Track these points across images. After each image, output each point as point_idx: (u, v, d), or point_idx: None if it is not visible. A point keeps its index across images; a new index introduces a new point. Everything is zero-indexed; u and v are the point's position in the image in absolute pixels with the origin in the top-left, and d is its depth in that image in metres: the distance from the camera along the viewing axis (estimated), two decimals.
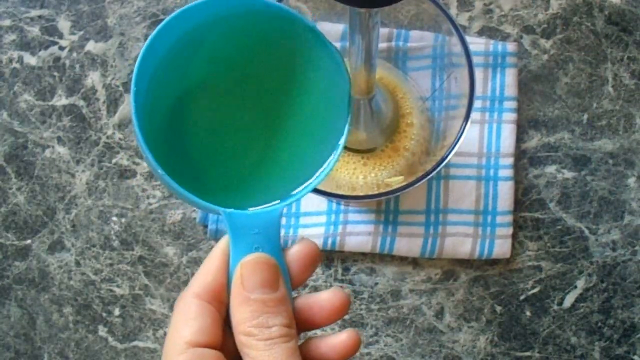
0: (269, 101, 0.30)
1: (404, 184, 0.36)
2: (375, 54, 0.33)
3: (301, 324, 0.27)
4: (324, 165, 0.29)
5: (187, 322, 0.26)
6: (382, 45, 0.45)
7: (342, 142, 0.29)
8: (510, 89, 0.47)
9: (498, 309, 0.47)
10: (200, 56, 0.28)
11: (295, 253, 0.27)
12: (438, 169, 0.35)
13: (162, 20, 0.49)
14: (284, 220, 0.47)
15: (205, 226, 0.48)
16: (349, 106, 0.29)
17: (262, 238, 0.26)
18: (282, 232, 0.47)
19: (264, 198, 0.28)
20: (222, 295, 0.26)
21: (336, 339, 0.27)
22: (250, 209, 0.27)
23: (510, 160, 0.46)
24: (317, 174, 0.29)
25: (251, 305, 0.25)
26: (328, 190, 0.37)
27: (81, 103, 0.49)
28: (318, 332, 0.43)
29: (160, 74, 0.27)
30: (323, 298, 0.27)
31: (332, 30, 0.46)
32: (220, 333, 0.26)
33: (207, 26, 0.28)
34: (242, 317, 0.25)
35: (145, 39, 0.49)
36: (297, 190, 0.28)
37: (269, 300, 0.25)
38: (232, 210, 0.26)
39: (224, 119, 0.29)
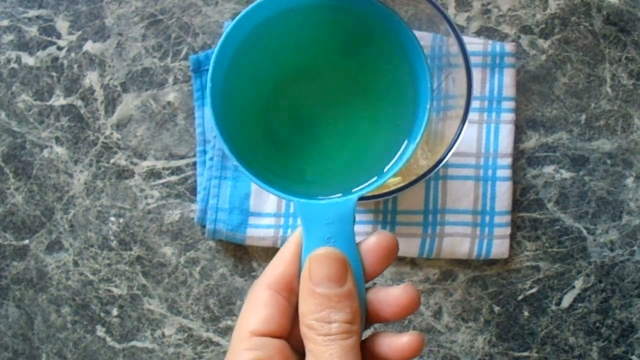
0: (344, 91, 0.29)
1: (402, 184, 0.36)
2: None
3: (370, 317, 0.27)
4: (398, 157, 0.28)
5: (253, 311, 0.26)
6: None
7: (420, 132, 0.28)
8: (509, 89, 0.47)
9: (496, 309, 0.47)
10: (275, 46, 0.28)
11: (370, 245, 0.27)
12: (436, 169, 0.35)
13: (160, 20, 0.49)
14: (282, 221, 0.47)
15: (203, 226, 0.48)
16: (430, 94, 0.28)
17: (335, 229, 0.26)
18: (280, 232, 0.47)
19: (338, 189, 0.28)
20: (292, 285, 0.27)
21: (399, 340, 0.27)
22: (322, 200, 0.26)
23: (508, 161, 0.46)
24: (391, 164, 0.28)
25: (316, 299, 0.25)
26: None
27: (79, 103, 0.49)
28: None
29: (236, 65, 0.27)
30: (393, 294, 0.27)
31: None
32: (287, 322, 0.26)
33: (281, 16, 0.28)
34: (306, 309, 0.25)
35: (143, 39, 0.49)
36: (370, 181, 0.28)
37: (333, 295, 0.25)
38: (305, 200, 0.26)
39: (299, 108, 0.29)
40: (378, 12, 0.28)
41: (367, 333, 0.28)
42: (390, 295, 0.27)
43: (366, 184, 0.27)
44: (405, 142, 0.28)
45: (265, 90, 0.28)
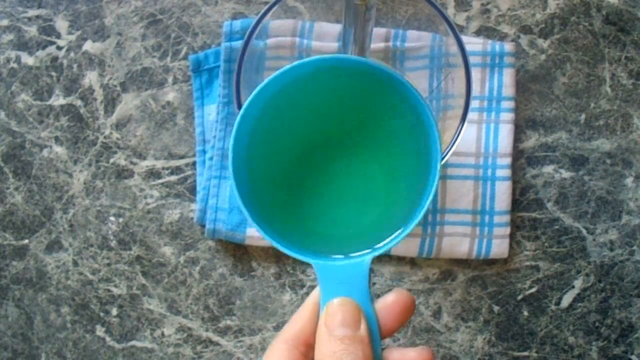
0: (359, 152, 0.31)
1: None
2: (368, 48, 0.33)
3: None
4: (413, 217, 0.29)
5: None
6: (380, 45, 0.45)
7: (432, 193, 0.28)
8: (508, 89, 0.47)
9: (496, 308, 0.47)
10: (292, 113, 0.29)
11: (388, 303, 0.28)
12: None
13: (159, 19, 0.49)
14: None
15: (203, 226, 0.48)
16: (439, 158, 0.29)
17: (351, 287, 0.27)
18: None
19: (356, 246, 0.29)
20: (309, 341, 0.28)
21: (408, 354, 0.28)
22: (338, 261, 0.28)
23: (507, 160, 0.46)
24: (406, 226, 0.29)
25: (330, 342, 0.26)
26: None
27: (79, 103, 0.49)
28: None
29: (255, 135, 0.28)
30: (409, 356, 0.28)
31: (331, 30, 0.46)
32: None
33: (297, 84, 0.29)
34: (322, 355, 0.26)
35: (143, 39, 0.49)
36: (385, 242, 0.29)
37: (346, 337, 0.26)
38: (322, 262, 0.27)
39: (317, 171, 0.31)
40: (380, 75, 0.29)
41: None
42: (406, 356, 0.28)
43: (383, 242, 0.29)
44: (418, 199, 0.29)
45: (284, 156, 0.30)
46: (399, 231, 0.29)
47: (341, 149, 0.31)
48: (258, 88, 0.28)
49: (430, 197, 0.28)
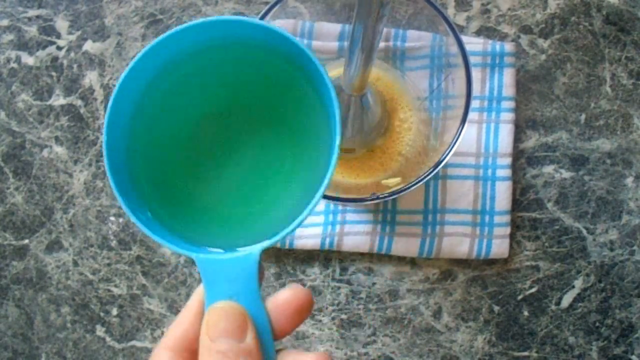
0: (255, 137, 0.28)
1: (402, 185, 0.36)
2: (376, 47, 0.32)
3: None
4: (303, 212, 0.25)
5: None
6: (380, 45, 0.45)
7: (327, 178, 0.25)
8: (508, 89, 0.47)
9: (496, 308, 0.47)
10: (184, 87, 0.26)
11: (280, 302, 0.25)
12: (436, 169, 0.35)
13: (159, 19, 0.49)
14: None
15: None
16: (336, 151, 0.25)
17: (238, 286, 0.24)
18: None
19: (246, 239, 0.25)
20: (193, 347, 0.25)
21: (305, 358, 0.25)
22: (223, 255, 0.25)
23: (508, 160, 0.46)
24: (296, 220, 0.25)
25: (213, 356, 0.24)
26: (325, 192, 0.36)
27: (79, 103, 0.49)
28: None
29: (141, 104, 0.25)
30: (281, 300, 0.25)
31: (331, 30, 0.46)
32: None
33: (191, 55, 0.26)
34: None
35: (143, 39, 0.49)
36: (275, 235, 0.25)
37: (230, 351, 0.24)
38: (202, 255, 0.24)
39: (207, 153, 0.28)
40: (285, 48, 0.25)
41: None
42: (280, 300, 0.25)
43: (275, 238, 0.25)
44: (312, 195, 0.26)
45: (171, 136, 0.27)
46: (292, 223, 0.25)
47: (236, 130, 0.28)
48: (141, 53, 0.24)
49: (325, 184, 0.24)
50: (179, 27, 0.25)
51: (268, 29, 0.25)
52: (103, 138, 0.24)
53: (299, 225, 0.25)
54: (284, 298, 0.25)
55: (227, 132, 0.28)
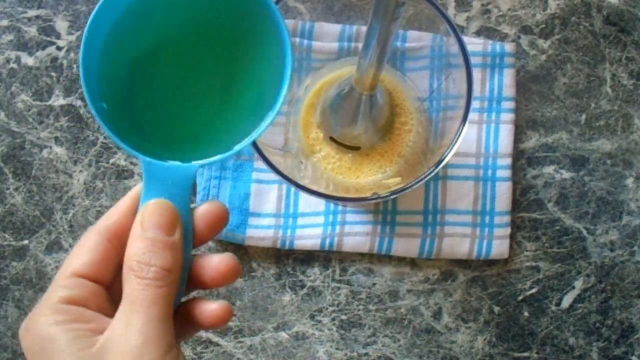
0: (214, 64, 0.31)
1: (402, 185, 0.36)
2: (388, 47, 0.33)
3: (191, 281, 0.28)
4: (253, 132, 0.29)
5: (80, 254, 0.27)
6: None
7: (273, 112, 0.29)
8: (508, 90, 0.47)
9: (496, 309, 0.47)
10: (151, 21, 0.29)
11: (202, 211, 0.28)
12: (436, 170, 0.35)
13: None
14: (281, 221, 0.47)
15: None
16: (285, 87, 0.29)
17: (173, 190, 0.27)
18: (280, 232, 0.47)
19: (191, 154, 0.29)
20: (124, 236, 0.27)
21: (209, 306, 0.28)
22: (167, 162, 0.28)
23: (508, 161, 0.46)
24: (244, 139, 0.29)
25: (142, 242, 0.26)
26: (325, 191, 0.37)
27: (79, 103, 0.49)
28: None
29: (112, 37, 0.28)
30: (215, 261, 0.28)
31: (331, 30, 0.46)
32: (110, 270, 0.27)
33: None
34: (131, 251, 0.26)
35: None
36: (215, 156, 0.29)
37: (158, 241, 0.26)
38: (150, 159, 0.27)
39: (172, 78, 0.30)
40: None
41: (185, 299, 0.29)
42: (212, 261, 0.28)
43: (213, 157, 0.29)
44: (263, 117, 0.30)
45: (135, 58, 0.30)
46: (232, 147, 0.29)
47: (191, 61, 0.31)
48: None
49: (267, 123, 0.29)
50: None
51: None
52: (81, 49, 0.27)
53: (240, 149, 0.29)
54: (205, 208, 0.28)
55: (183, 55, 0.30)
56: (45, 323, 0.25)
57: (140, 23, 0.29)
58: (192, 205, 0.29)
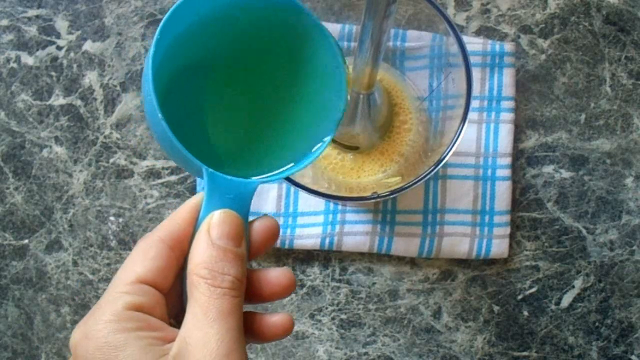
0: (273, 83, 0.32)
1: (401, 185, 0.36)
2: (384, 45, 0.33)
3: (247, 295, 0.28)
4: (309, 154, 0.30)
5: (144, 260, 0.26)
6: None
7: (328, 138, 0.31)
8: (508, 89, 0.47)
9: (495, 308, 0.47)
10: (214, 36, 0.30)
11: (257, 226, 0.28)
12: (436, 169, 0.35)
13: (159, 19, 0.49)
14: (281, 220, 0.47)
15: None
16: (344, 100, 0.31)
17: (234, 204, 0.28)
18: (280, 232, 0.47)
19: (252, 169, 0.30)
20: (184, 245, 0.27)
21: (271, 319, 0.28)
22: (231, 175, 0.28)
23: (507, 160, 0.46)
24: (302, 160, 0.30)
25: (213, 250, 0.26)
26: (325, 191, 0.37)
27: (78, 103, 0.49)
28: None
29: (175, 47, 0.29)
30: (272, 275, 0.28)
31: (330, 30, 0.46)
32: (171, 279, 0.27)
33: (224, 10, 0.30)
34: (200, 259, 0.26)
35: (143, 39, 0.49)
36: (275, 172, 0.30)
37: (229, 251, 0.26)
38: (213, 170, 0.28)
39: (230, 95, 0.31)
40: (296, 12, 0.31)
41: None
42: (271, 275, 0.28)
43: (271, 173, 0.30)
44: (319, 141, 0.31)
45: (200, 76, 0.31)
46: (290, 165, 0.30)
47: (254, 82, 0.32)
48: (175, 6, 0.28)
49: (324, 146, 0.30)
50: None
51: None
52: (149, 58, 0.27)
53: (299, 169, 0.30)
54: (260, 223, 0.29)
55: (241, 72, 0.32)
56: (112, 330, 0.24)
57: (203, 38, 0.30)
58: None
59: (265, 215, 0.29)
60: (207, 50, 0.30)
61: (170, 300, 0.27)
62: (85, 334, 0.25)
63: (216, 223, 0.26)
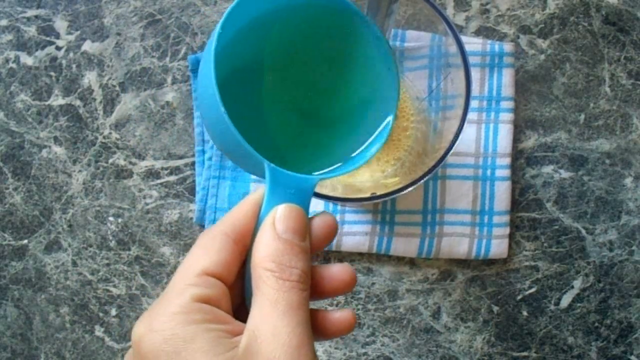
0: (325, 81, 0.32)
1: (401, 185, 0.36)
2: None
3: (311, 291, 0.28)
4: (363, 152, 0.31)
5: (208, 253, 0.26)
6: None
7: (385, 135, 0.31)
8: (507, 89, 0.47)
9: (495, 309, 0.47)
10: (269, 34, 0.31)
11: (318, 222, 0.28)
12: (435, 169, 0.35)
13: (158, 19, 0.49)
14: None
15: (202, 226, 0.48)
16: (397, 99, 0.32)
17: (296, 199, 0.27)
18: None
19: (310, 165, 0.30)
20: (247, 239, 0.27)
21: (334, 314, 0.28)
22: (288, 170, 0.28)
23: (507, 161, 0.46)
24: (356, 158, 0.31)
25: (279, 244, 0.25)
26: (324, 191, 0.37)
27: (78, 103, 0.49)
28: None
29: (231, 44, 0.29)
30: (334, 270, 0.28)
31: None
32: (235, 273, 0.27)
33: (279, 10, 0.30)
34: (266, 252, 0.25)
35: (142, 39, 0.49)
36: (332, 168, 0.30)
37: (296, 244, 0.26)
38: (275, 166, 0.27)
39: (285, 92, 0.32)
40: (347, 12, 0.31)
41: None
42: (333, 271, 0.28)
43: (330, 168, 0.30)
44: (369, 137, 0.32)
45: (255, 74, 0.31)
46: (348, 164, 0.31)
47: (309, 74, 0.32)
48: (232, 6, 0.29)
49: (380, 145, 0.30)
50: None
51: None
52: (212, 47, 0.27)
53: (351, 170, 0.30)
54: (320, 219, 0.28)
55: (294, 78, 0.32)
56: (180, 322, 0.24)
57: (258, 36, 0.30)
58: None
59: (324, 211, 0.29)
60: (262, 47, 0.31)
61: (231, 294, 0.27)
62: (150, 326, 0.24)
63: (281, 217, 0.26)
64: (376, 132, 0.32)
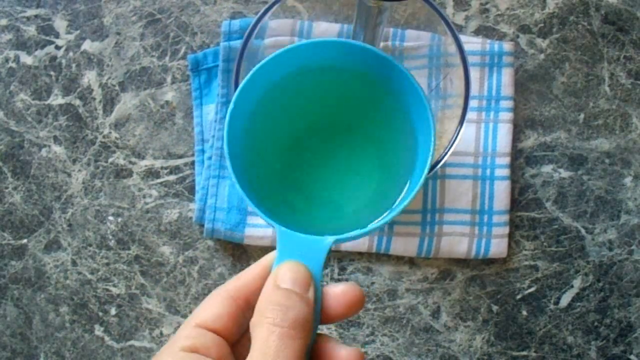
0: (348, 142, 0.32)
1: None
2: (378, 45, 0.33)
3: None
4: (386, 214, 0.29)
5: (205, 309, 0.27)
6: (379, 45, 0.45)
7: (412, 195, 0.29)
8: (507, 89, 0.47)
9: (494, 308, 0.47)
10: (290, 102, 0.31)
11: (336, 289, 0.28)
12: (435, 169, 0.35)
13: (158, 19, 0.49)
14: None
15: (202, 225, 0.48)
16: (430, 159, 0.29)
17: (306, 259, 0.27)
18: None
19: (328, 227, 0.29)
20: (251, 298, 0.27)
21: (341, 351, 0.27)
22: (302, 233, 0.28)
23: (506, 160, 0.46)
24: (378, 219, 0.29)
25: (277, 291, 0.26)
26: None
27: (77, 102, 0.49)
28: None
29: (254, 117, 0.30)
30: (339, 290, 0.28)
31: (329, 30, 0.46)
32: (232, 326, 0.27)
33: (300, 73, 0.30)
34: (263, 300, 0.26)
35: (142, 38, 0.49)
36: (348, 233, 0.29)
37: (294, 293, 0.26)
38: (285, 229, 0.28)
39: (306, 155, 0.32)
40: (385, 70, 0.30)
41: None
42: (336, 351, 0.27)
43: (350, 233, 0.29)
44: (398, 199, 0.30)
45: (278, 140, 0.31)
46: (364, 226, 0.29)
47: (334, 136, 0.32)
48: (255, 68, 0.29)
49: (408, 200, 0.29)
50: (287, 47, 0.30)
51: (370, 51, 0.29)
52: (225, 122, 0.28)
53: (369, 233, 0.29)
54: (340, 288, 0.28)
55: (321, 140, 0.32)
56: None
57: (284, 95, 0.31)
58: (330, 284, 0.28)
59: (351, 282, 0.29)
60: (288, 106, 0.31)
61: (244, 351, 0.27)
62: None
63: (282, 270, 0.27)
64: (399, 198, 0.31)
